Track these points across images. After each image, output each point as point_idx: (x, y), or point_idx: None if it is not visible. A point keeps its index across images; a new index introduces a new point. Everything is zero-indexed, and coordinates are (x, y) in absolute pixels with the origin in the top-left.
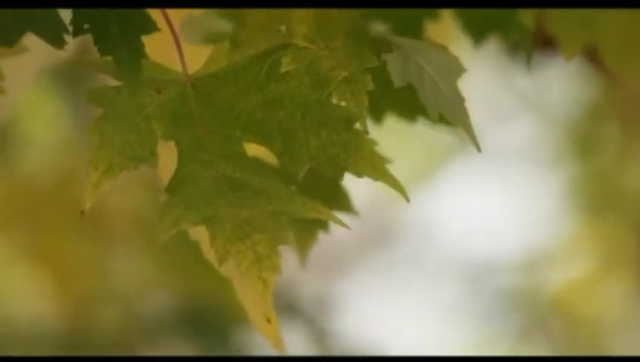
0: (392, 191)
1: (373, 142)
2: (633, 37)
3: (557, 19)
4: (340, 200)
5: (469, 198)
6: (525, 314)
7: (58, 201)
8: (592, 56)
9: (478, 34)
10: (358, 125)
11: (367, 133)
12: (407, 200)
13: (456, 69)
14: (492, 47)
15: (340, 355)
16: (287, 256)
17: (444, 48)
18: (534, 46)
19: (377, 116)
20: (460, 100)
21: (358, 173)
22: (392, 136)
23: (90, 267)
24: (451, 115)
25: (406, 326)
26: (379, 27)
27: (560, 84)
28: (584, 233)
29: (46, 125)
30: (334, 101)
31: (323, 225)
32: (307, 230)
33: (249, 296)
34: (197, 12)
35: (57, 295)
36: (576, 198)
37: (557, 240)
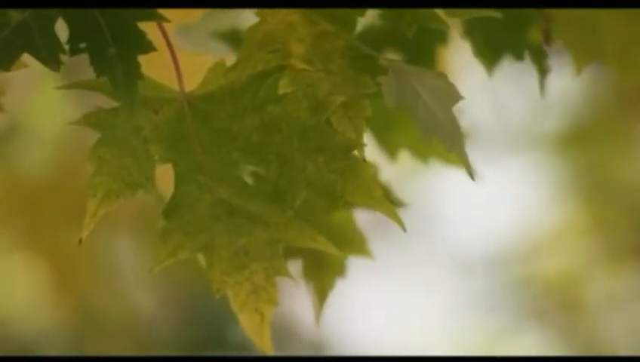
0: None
1: (371, 170)
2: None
3: (564, 29)
4: (356, 243)
5: (469, 188)
6: (524, 302)
7: (58, 194)
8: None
9: (491, 58)
10: (355, 152)
11: (364, 160)
12: (404, 230)
13: (452, 96)
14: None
15: (340, 355)
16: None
17: (441, 75)
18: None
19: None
20: (455, 127)
21: (355, 202)
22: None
23: (90, 260)
24: (445, 140)
25: (405, 323)
26: (392, 56)
27: (560, 72)
28: (583, 221)
29: (46, 118)
30: (332, 125)
31: (340, 269)
32: (324, 276)
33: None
34: (193, 20)
35: (56, 289)
36: (574, 187)
37: (555, 229)
